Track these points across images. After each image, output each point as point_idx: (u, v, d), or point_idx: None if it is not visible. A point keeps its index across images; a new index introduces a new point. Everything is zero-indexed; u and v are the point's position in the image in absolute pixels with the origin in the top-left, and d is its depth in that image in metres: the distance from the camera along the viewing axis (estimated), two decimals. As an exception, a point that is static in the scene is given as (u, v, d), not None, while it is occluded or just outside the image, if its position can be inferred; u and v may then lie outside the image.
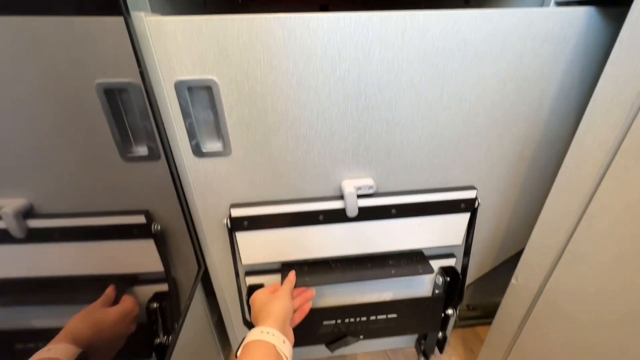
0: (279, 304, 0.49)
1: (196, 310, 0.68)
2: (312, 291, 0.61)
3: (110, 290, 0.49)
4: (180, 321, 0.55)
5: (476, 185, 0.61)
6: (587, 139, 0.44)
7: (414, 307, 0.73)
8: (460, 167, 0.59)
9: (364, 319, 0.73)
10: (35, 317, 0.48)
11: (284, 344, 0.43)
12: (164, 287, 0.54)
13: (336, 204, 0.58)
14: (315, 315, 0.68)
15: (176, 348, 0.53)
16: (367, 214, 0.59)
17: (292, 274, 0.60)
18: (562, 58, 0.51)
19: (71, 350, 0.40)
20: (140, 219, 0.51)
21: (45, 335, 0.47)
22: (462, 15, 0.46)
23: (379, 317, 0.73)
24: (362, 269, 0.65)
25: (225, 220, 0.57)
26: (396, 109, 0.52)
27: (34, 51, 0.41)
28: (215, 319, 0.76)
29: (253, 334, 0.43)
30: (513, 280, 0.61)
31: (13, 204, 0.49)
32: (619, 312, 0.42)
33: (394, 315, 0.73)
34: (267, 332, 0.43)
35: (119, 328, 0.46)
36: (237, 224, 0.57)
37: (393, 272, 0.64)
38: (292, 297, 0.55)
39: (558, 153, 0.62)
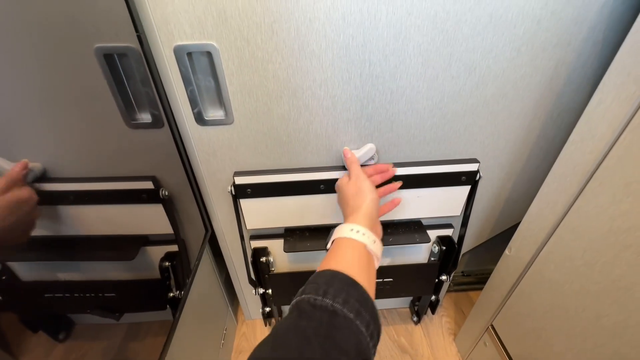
0: (368, 196, 0.46)
1: (205, 270, 0.73)
2: (393, 170, 0.56)
3: (17, 171, 0.43)
4: (190, 278, 0.59)
5: (479, 158, 0.61)
6: (597, 113, 0.42)
7: (410, 273, 0.77)
8: (465, 140, 0.59)
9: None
10: (60, 271, 0.53)
11: (374, 244, 0.40)
12: (174, 247, 0.58)
13: (337, 174, 0.58)
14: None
15: (187, 302, 0.58)
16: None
17: (346, 151, 0.54)
18: (584, 23, 0.47)
19: None
20: (148, 185, 0.53)
21: (70, 287, 0.52)
22: (478, -27, 0.42)
23: (377, 280, 0.77)
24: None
25: (230, 188, 0.59)
26: (401, 78, 0.50)
27: (29, 10, 0.40)
28: (224, 277, 0.82)
29: (343, 231, 0.41)
30: (507, 251, 0.64)
31: (30, 165, 0.51)
32: (602, 282, 0.44)
33: (390, 279, 0.77)
34: (358, 231, 0.40)
35: (6, 218, 0.40)
36: (241, 192, 0.59)
37: (391, 240, 0.67)
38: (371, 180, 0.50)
39: (568, 126, 0.60)
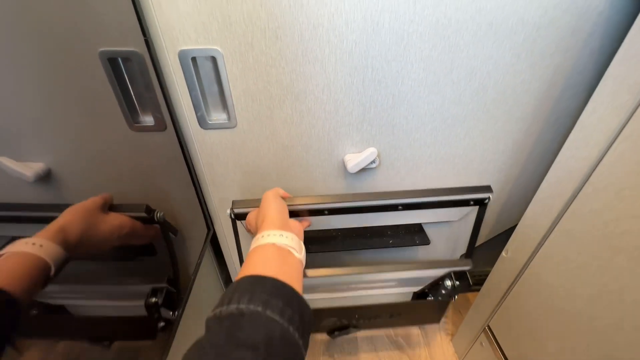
0: (269, 207, 0.45)
1: (206, 268, 0.73)
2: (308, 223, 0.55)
3: (108, 196, 0.48)
4: (192, 278, 0.60)
5: (479, 161, 0.62)
6: (592, 120, 0.43)
7: (421, 308, 0.75)
8: (465, 144, 0.60)
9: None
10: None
11: (282, 237, 0.39)
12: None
13: (342, 204, 0.56)
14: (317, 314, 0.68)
15: (189, 302, 0.59)
16: (373, 208, 0.57)
17: (275, 190, 0.52)
18: (582, 31, 0.48)
19: (59, 254, 0.39)
20: (141, 213, 0.51)
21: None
22: (480, -19, 0.43)
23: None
24: (361, 238, 0.69)
25: (229, 212, 0.57)
26: (403, 83, 0.51)
27: (34, 15, 0.40)
28: (225, 277, 0.82)
29: (251, 246, 0.39)
30: (503, 253, 0.65)
31: (35, 166, 0.52)
32: (595, 285, 0.45)
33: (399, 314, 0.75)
34: (262, 236, 0.39)
35: (109, 239, 0.45)
36: (241, 217, 0.57)
37: (391, 242, 0.68)
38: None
39: (565, 130, 0.61)
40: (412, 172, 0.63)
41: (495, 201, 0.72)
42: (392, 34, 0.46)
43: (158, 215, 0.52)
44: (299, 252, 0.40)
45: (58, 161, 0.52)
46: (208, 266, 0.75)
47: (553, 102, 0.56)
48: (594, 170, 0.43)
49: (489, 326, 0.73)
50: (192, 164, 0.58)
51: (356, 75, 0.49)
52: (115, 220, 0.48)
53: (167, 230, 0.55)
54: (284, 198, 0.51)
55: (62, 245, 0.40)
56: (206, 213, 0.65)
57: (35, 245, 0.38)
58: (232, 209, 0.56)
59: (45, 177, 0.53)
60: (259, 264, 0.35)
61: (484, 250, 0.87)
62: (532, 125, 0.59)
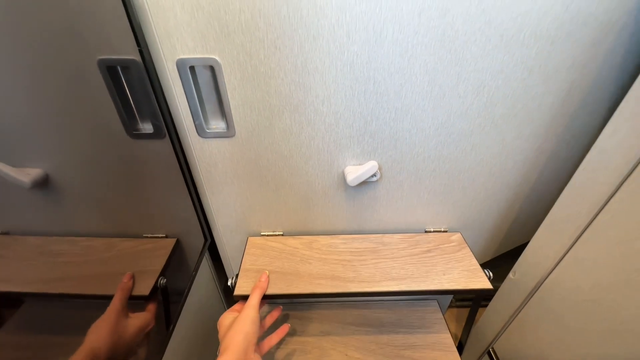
0: (239, 333, 0.44)
1: (204, 277, 0.73)
2: (285, 326, 0.58)
3: (127, 282, 0.50)
4: (187, 289, 0.59)
5: (485, 177, 0.59)
6: (611, 143, 0.40)
7: None
8: (471, 159, 0.57)
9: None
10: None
11: None
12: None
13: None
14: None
15: (183, 312, 0.58)
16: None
17: (264, 276, 0.55)
18: (602, 45, 0.45)
19: None
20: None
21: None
22: (490, -8, 0.40)
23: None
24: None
25: (230, 282, 0.59)
26: (406, 97, 0.49)
27: (32, 22, 0.40)
28: (223, 285, 0.82)
29: None
30: (511, 274, 0.62)
31: (33, 172, 0.53)
32: (609, 321, 0.42)
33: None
34: None
35: (135, 341, 0.47)
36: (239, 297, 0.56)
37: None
38: (262, 314, 0.51)
39: (581, 148, 0.57)
40: (414, 186, 0.61)
41: (503, 218, 0.69)
42: (395, 45, 0.44)
43: (161, 282, 0.54)
44: None
45: (56, 167, 0.52)
46: (205, 275, 0.74)
47: (568, 119, 0.53)
48: (612, 196, 0.40)
49: (493, 349, 0.70)
50: (190, 172, 0.58)
51: (357, 88, 0.48)
52: (138, 321, 0.49)
53: (167, 294, 0.56)
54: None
55: None
56: (203, 222, 0.64)
57: None
58: (234, 281, 0.57)
59: (43, 183, 0.53)
60: None
61: (491, 266, 0.83)
62: (544, 142, 0.55)
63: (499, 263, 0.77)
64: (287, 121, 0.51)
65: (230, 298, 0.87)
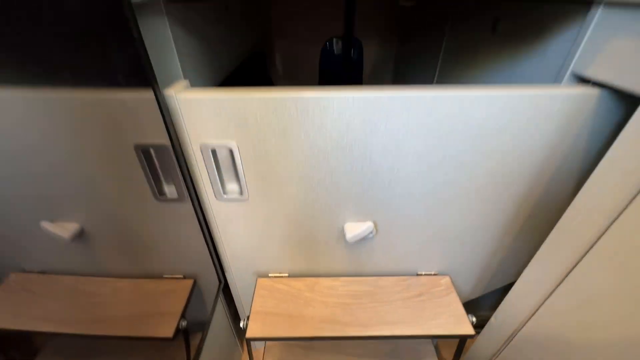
0: None
1: (219, 319, 0.81)
2: None
3: None
4: (205, 331, 0.67)
5: (472, 230, 0.66)
6: (584, 205, 0.46)
7: None
8: (457, 218, 0.64)
9: None
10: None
11: None
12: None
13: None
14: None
15: (204, 349, 0.66)
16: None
17: None
18: (568, 133, 0.52)
19: None
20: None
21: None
22: (468, 96, 0.47)
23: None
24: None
25: (242, 324, 0.67)
26: (398, 171, 0.56)
27: (84, 119, 0.49)
28: (238, 326, 0.89)
29: None
30: (492, 319, 0.68)
31: (69, 226, 0.62)
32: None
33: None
34: None
35: None
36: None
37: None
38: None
39: (558, 209, 0.64)
40: (406, 238, 0.68)
41: (489, 262, 0.75)
42: (387, 134, 0.51)
43: (182, 324, 0.62)
44: None
45: (92, 223, 0.61)
46: (220, 317, 0.81)
47: (543, 187, 0.59)
48: (584, 255, 0.46)
49: (479, 382, 0.76)
50: (208, 226, 0.65)
51: (355, 164, 0.55)
52: None
53: (188, 336, 0.64)
54: None
55: None
56: (217, 267, 0.72)
57: None
58: (245, 323, 0.64)
59: (79, 236, 0.62)
60: None
61: (485, 295, 0.90)
62: (523, 202, 0.62)
63: (494, 292, 0.83)
64: (293, 189, 0.59)
65: (242, 336, 0.95)
